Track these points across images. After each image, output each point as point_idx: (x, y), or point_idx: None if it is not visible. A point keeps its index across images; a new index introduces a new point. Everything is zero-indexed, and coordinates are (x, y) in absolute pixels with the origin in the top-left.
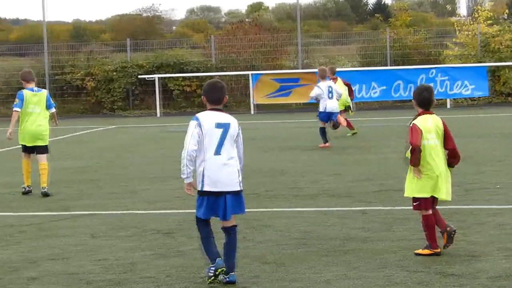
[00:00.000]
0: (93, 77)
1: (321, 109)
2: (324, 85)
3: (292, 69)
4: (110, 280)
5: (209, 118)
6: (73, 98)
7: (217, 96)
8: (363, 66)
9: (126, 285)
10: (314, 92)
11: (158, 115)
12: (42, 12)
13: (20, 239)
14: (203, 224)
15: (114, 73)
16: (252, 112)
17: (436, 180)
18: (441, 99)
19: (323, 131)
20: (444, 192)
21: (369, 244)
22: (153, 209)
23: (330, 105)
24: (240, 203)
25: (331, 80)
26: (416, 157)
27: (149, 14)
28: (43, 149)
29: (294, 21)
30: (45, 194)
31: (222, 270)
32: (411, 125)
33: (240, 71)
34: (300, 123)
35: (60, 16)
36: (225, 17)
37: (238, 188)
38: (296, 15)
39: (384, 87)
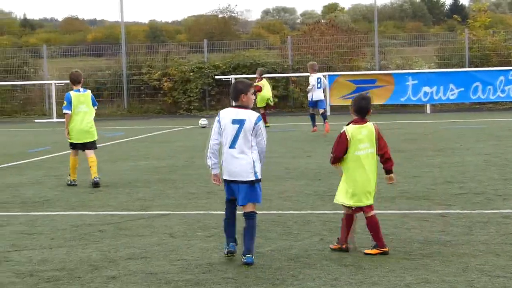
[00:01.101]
0: (170, 77)
1: (309, 98)
2: (314, 77)
3: (368, 70)
4: (189, 280)
5: (227, 114)
6: (150, 98)
7: (234, 95)
8: (440, 68)
9: (205, 286)
10: (310, 83)
11: None
12: (120, 13)
13: (100, 238)
14: (228, 205)
15: (191, 74)
16: (328, 113)
17: (369, 187)
18: None
19: (312, 117)
20: (371, 198)
21: (449, 247)
22: None
23: (317, 94)
24: (254, 193)
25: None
26: (334, 164)
27: (225, 15)
28: (91, 145)
29: (369, 22)
30: (96, 184)
31: (232, 253)
32: (341, 131)
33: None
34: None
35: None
36: (301, 18)
37: (251, 179)
38: (373, 16)
39: (462, 89)
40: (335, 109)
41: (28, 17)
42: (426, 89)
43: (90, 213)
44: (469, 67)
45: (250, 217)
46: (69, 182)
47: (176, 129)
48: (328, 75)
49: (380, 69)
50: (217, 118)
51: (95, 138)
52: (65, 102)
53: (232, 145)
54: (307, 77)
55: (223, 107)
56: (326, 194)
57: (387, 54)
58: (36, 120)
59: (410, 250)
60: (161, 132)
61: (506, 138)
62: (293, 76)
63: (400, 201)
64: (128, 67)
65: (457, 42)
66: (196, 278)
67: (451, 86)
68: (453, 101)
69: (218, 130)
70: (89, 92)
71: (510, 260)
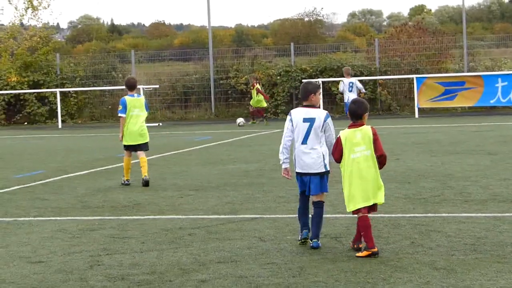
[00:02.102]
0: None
1: (345, 100)
2: (347, 81)
3: (457, 72)
4: (279, 284)
5: (299, 113)
6: (237, 102)
7: (304, 95)
8: None
9: None
10: (340, 86)
11: None
12: (207, 17)
13: (190, 242)
14: (301, 197)
15: (278, 77)
16: (416, 115)
17: (366, 190)
18: None
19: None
20: (378, 198)
21: None
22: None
23: (351, 97)
24: (324, 183)
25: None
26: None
27: (311, 18)
28: (144, 146)
29: (457, 23)
30: (147, 182)
31: (305, 240)
32: (338, 135)
33: (404, 74)
34: (465, 127)
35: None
36: (387, 20)
37: (321, 171)
38: (461, 17)
39: None
40: (424, 111)
41: (116, 22)
42: None
43: (180, 216)
44: None
45: (318, 205)
46: (123, 182)
47: (264, 133)
48: (416, 77)
49: (468, 71)
50: (289, 117)
51: (147, 140)
52: (120, 106)
53: (304, 141)
54: (396, 79)
55: None
56: (416, 197)
57: (475, 56)
58: None
59: (503, 254)
60: (248, 136)
61: None
62: (380, 79)
63: (492, 204)
64: (215, 71)
65: None
66: (286, 282)
67: None
68: None
69: (291, 128)
70: (142, 97)
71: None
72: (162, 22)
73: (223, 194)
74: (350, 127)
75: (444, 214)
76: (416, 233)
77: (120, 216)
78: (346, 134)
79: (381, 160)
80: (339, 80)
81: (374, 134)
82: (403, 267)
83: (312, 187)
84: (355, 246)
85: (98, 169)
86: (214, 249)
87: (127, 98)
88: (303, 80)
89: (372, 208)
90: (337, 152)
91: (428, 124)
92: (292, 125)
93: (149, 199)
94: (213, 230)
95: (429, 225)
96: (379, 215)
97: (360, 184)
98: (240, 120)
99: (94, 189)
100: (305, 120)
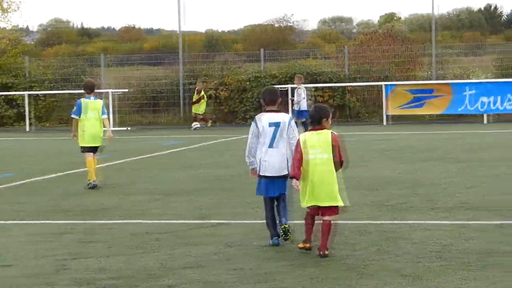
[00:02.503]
0: (227, 86)
1: (296, 108)
2: (303, 88)
3: (425, 80)
4: None
5: (264, 118)
6: (207, 107)
7: (270, 99)
8: (498, 78)
9: None
10: (300, 95)
11: None
12: (178, 22)
13: (157, 247)
14: (269, 203)
15: (248, 83)
16: (384, 123)
17: (317, 189)
18: None
19: (305, 124)
20: (327, 199)
21: (508, 258)
22: (290, 219)
23: (304, 105)
24: (285, 185)
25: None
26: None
27: (281, 24)
28: (97, 149)
29: (427, 31)
30: (94, 186)
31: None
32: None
33: (373, 81)
34: (434, 134)
35: (193, 26)
36: (357, 27)
37: (286, 173)
38: (431, 26)
39: None
40: (392, 118)
41: (86, 26)
42: (484, 99)
43: (148, 221)
44: None
45: (283, 198)
46: (89, 184)
47: (233, 138)
48: (385, 84)
49: (437, 79)
50: (254, 122)
51: (100, 144)
52: (74, 107)
53: (271, 145)
54: (365, 86)
55: None
56: (384, 204)
57: (444, 64)
58: None
59: (468, 261)
60: (217, 141)
61: None
62: (350, 86)
63: (458, 212)
64: (185, 76)
65: None
66: None
67: (509, 96)
68: (511, 111)
69: (256, 133)
70: (100, 101)
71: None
72: (133, 26)
73: (192, 199)
74: (311, 130)
75: (411, 221)
76: (383, 240)
77: (89, 221)
78: (305, 136)
79: (337, 166)
80: (309, 87)
81: (334, 140)
82: (370, 273)
83: (277, 188)
84: (320, 253)
85: (67, 172)
86: (181, 254)
87: (83, 100)
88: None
89: (329, 210)
90: (296, 154)
91: (397, 132)
92: (258, 130)
93: (118, 204)
94: (181, 235)
95: (396, 232)
96: (346, 221)
97: (315, 184)
98: (195, 124)
99: (63, 193)
100: (270, 124)
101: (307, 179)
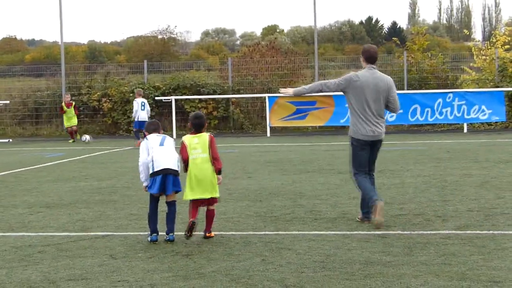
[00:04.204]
0: (110, 98)
1: (135, 118)
2: (138, 101)
3: None
4: None
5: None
6: (90, 119)
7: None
8: None
9: None
10: (134, 105)
11: (174, 136)
12: (60, 33)
13: (39, 259)
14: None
15: (131, 95)
16: (268, 134)
17: (200, 184)
18: (458, 124)
19: (137, 135)
20: (208, 193)
21: (390, 268)
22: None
23: (142, 115)
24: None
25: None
26: (185, 166)
27: (164, 36)
28: None
29: (309, 44)
30: None
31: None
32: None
33: (256, 93)
34: (316, 146)
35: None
36: (240, 39)
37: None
38: (313, 38)
39: (401, 111)
40: (276, 130)
41: None
42: None
43: (30, 234)
44: (407, 89)
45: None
46: None
47: (116, 149)
48: (268, 96)
49: None
50: (145, 139)
51: None
52: None
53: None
54: (249, 98)
55: (163, 128)
56: (268, 215)
57: (326, 76)
58: None
59: (352, 271)
60: (101, 152)
61: (445, 160)
62: (233, 98)
63: (341, 222)
64: (67, 88)
65: (396, 64)
66: None
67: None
68: (391, 123)
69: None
70: None
71: (449, 281)
72: (14, 37)
73: (75, 211)
74: (191, 133)
75: (294, 232)
76: (267, 251)
77: None
78: (186, 138)
79: (216, 163)
80: (193, 98)
81: (211, 141)
82: (254, 284)
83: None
84: (206, 235)
85: None
86: (64, 266)
87: None
88: (156, 98)
89: (210, 201)
90: (183, 153)
91: (280, 143)
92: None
93: None
94: (64, 247)
95: (280, 243)
96: (230, 232)
97: (198, 180)
98: (86, 137)
99: None
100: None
101: (189, 175)
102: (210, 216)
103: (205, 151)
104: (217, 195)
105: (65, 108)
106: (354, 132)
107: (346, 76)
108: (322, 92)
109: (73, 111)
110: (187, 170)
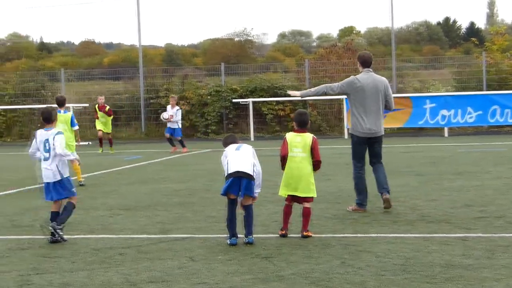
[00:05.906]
0: (187, 100)
1: (168, 125)
2: (174, 108)
3: None
4: None
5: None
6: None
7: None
8: (457, 91)
9: None
10: (166, 114)
11: (252, 139)
12: (138, 36)
13: (120, 261)
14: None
15: (208, 97)
16: (345, 136)
17: (295, 181)
18: None
19: (170, 141)
20: (300, 191)
21: (471, 271)
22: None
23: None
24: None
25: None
26: (283, 163)
27: (241, 38)
28: None
29: (385, 45)
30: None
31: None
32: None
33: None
34: (394, 148)
35: (153, 40)
36: (316, 41)
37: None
38: (390, 39)
39: (480, 112)
40: None
41: (45, 40)
42: (444, 112)
43: (111, 236)
44: (486, 90)
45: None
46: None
47: (194, 152)
48: (346, 98)
49: (397, 92)
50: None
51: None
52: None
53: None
54: (325, 100)
55: (240, 130)
56: (347, 218)
57: (404, 77)
58: None
59: (432, 274)
60: (179, 155)
61: None
62: (310, 100)
63: (420, 225)
64: (146, 91)
65: (474, 65)
66: None
67: (469, 109)
68: (471, 124)
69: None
70: (69, 113)
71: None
72: (92, 40)
73: (154, 213)
74: (294, 131)
75: (373, 234)
76: (346, 253)
77: (49, 236)
78: (289, 136)
79: (317, 164)
80: (271, 100)
81: (313, 143)
82: (334, 287)
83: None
84: (283, 232)
85: (28, 187)
86: (145, 268)
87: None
88: (233, 100)
89: (301, 199)
90: (284, 148)
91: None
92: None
93: (79, 219)
94: (144, 249)
95: (359, 245)
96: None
97: (294, 177)
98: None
99: (23, 207)
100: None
101: (288, 172)
102: (305, 214)
103: (306, 151)
104: (312, 194)
105: (99, 112)
106: (353, 129)
107: (348, 80)
108: (327, 94)
109: (106, 116)
110: (284, 168)
